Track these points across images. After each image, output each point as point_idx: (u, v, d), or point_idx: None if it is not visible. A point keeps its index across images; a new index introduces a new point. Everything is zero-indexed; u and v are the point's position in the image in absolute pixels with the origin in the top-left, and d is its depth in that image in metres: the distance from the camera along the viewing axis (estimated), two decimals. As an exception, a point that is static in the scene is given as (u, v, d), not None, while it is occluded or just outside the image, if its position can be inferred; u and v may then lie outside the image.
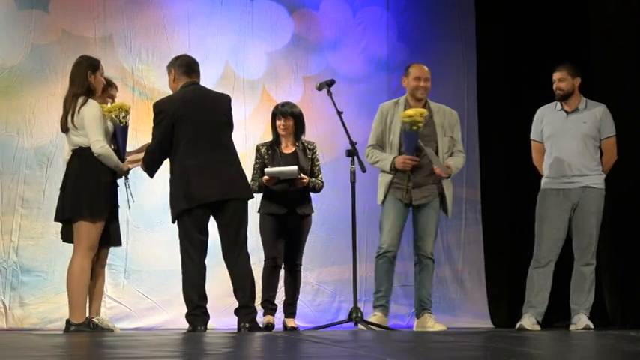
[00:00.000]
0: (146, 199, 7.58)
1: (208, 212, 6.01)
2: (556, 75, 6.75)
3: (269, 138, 6.97)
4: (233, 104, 6.14)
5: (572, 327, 6.58)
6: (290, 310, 6.86)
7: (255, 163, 6.89)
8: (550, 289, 6.60)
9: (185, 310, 5.99)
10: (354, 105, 8.12)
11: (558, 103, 6.79)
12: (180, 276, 5.94)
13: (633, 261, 7.39)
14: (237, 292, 5.95)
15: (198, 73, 6.14)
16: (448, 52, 8.46)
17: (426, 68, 6.70)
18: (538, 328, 6.55)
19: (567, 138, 6.69)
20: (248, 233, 6.04)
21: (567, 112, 6.76)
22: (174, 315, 7.40)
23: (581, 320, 6.56)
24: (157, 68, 7.93)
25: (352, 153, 6.28)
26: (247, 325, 5.84)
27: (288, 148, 6.84)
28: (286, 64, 8.33)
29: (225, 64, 8.16)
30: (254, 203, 6.48)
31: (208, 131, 5.98)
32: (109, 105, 6.34)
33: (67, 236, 6.18)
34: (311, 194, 6.84)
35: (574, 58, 7.21)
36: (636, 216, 7.43)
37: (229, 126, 6.10)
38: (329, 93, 6.38)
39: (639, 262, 7.35)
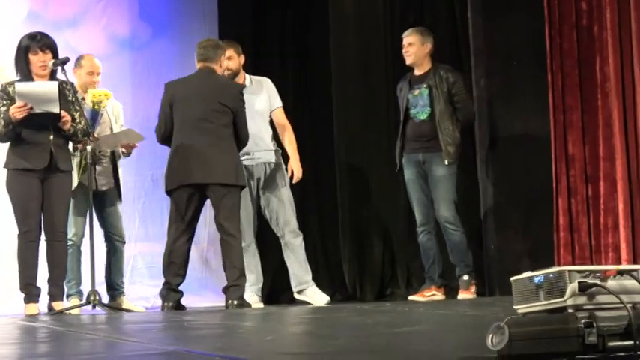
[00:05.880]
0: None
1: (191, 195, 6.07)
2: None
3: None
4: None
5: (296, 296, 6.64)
6: (56, 291, 5.98)
7: (2, 105, 5.94)
8: (260, 265, 6.69)
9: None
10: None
11: None
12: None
13: (365, 234, 7.57)
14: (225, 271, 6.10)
15: (212, 59, 6.23)
16: (191, 30, 8.38)
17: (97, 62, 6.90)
18: (261, 305, 6.59)
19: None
20: None
21: None
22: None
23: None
24: None
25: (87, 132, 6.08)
26: (235, 302, 5.94)
27: None
28: (23, 43, 7.98)
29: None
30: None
31: (196, 117, 6.06)
32: None
33: None
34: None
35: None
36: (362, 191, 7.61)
37: (225, 114, 6.09)
38: (63, 72, 6.17)
39: (371, 236, 7.55)
